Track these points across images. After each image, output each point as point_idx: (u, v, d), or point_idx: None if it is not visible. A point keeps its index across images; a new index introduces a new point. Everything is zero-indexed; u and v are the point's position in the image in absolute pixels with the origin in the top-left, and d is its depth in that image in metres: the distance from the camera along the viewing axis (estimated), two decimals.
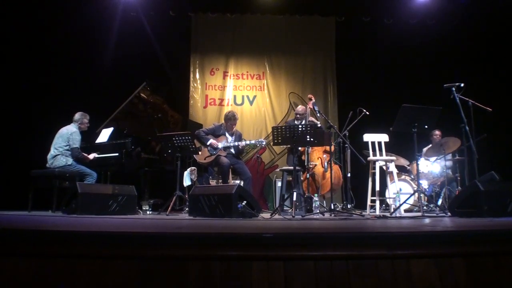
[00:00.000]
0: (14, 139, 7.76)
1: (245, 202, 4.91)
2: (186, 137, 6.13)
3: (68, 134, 6.46)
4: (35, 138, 7.36)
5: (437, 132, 7.41)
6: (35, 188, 6.32)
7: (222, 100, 9.48)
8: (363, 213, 5.77)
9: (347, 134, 6.24)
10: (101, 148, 6.86)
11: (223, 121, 7.15)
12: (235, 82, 9.58)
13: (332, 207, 5.60)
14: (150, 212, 6.42)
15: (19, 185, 6.75)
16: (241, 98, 9.53)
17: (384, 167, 6.17)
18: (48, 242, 2.32)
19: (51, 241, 2.33)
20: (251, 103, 9.50)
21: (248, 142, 6.95)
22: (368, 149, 6.24)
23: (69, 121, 6.74)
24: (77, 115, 6.71)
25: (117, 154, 6.61)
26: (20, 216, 4.73)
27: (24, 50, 8.13)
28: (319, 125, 6.37)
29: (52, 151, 6.45)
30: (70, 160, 6.37)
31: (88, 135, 6.95)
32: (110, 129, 7.07)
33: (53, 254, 2.26)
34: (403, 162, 7.43)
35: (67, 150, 6.41)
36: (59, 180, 6.28)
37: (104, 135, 7.06)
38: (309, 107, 6.54)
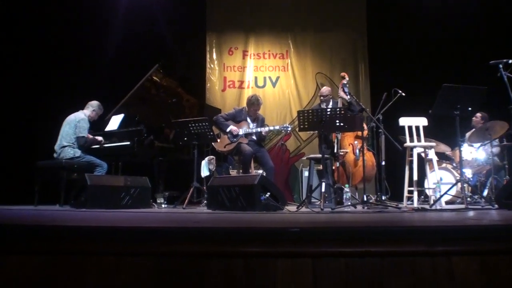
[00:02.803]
0: (19, 129, 7.87)
1: (268, 193, 4.92)
2: (203, 123, 6.14)
3: (76, 121, 6.52)
4: (41, 127, 7.48)
5: (478, 115, 7.28)
6: (41, 181, 6.40)
7: (242, 82, 9.47)
8: (400, 205, 5.73)
9: (381, 118, 6.18)
10: (111, 136, 6.91)
11: (244, 105, 7.15)
12: (256, 62, 9.56)
13: (365, 199, 5.57)
14: (165, 206, 6.47)
15: (24, 178, 6.87)
16: (262, 80, 9.50)
17: (423, 154, 6.11)
18: (55, 238, 2.35)
19: (59, 237, 2.36)
20: (274, 85, 9.48)
21: (271, 128, 6.92)
22: (405, 134, 6.18)
23: (76, 108, 6.81)
24: (94, 102, 6.80)
25: (128, 142, 6.65)
26: (26, 211, 4.82)
27: (27, 34, 8.21)
28: (348, 99, 6.32)
29: (60, 141, 6.52)
30: (78, 152, 6.43)
31: (97, 123, 7.00)
32: (121, 116, 7.12)
33: (61, 251, 2.29)
34: (444, 148, 7.34)
35: (76, 141, 6.47)
36: (67, 171, 6.33)
37: (114, 123, 7.11)
38: (340, 87, 6.48)
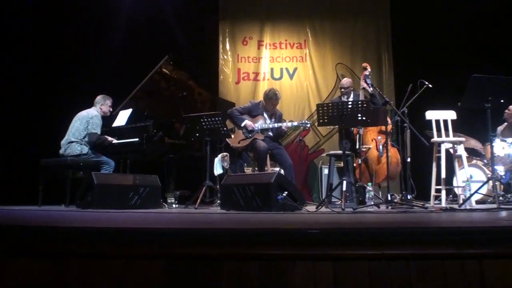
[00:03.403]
0: (22, 125, 7.91)
1: (286, 192, 4.92)
2: (216, 118, 6.15)
3: (88, 117, 6.58)
4: (46, 123, 7.52)
5: (511, 107, 7.20)
6: (45, 180, 6.45)
7: (257, 74, 9.45)
8: (426, 205, 5.69)
9: (406, 112, 6.13)
10: (119, 132, 6.93)
11: (260, 99, 7.13)
12: (272, 53, 9.53)
13: (389, 198, 5.53)
14: (176, 205, 6.50)
15: (28, 177, 6.92)
16: (279, 71, 9.48)
17: (451, 150, 6.06)
18: (61, 240, 2.37)
19: (65, 239, 2.38)
20: (291, 77, 9.45)
21: (289, 124, 6.91)
22: (432, 129, 6.13)
23: (82, 102, 6.85)
24: (98, 97, 6.84)
25: (137, 139, 6.66)
26: (30, 212, 4.87)
27: (30, 27, 8.24)
28: (371, 91, 6.29)
29: (67, 136, 6.56)
30: (85, 149, 6.47)
31: (104, 118, 7.03)
32: (129, 111, 7.13)
33: (67, 253, 2.32)
34: (474, 144, 7.27)
35: (84, 137, 6.51)
36: (72, 170, 6.39)
37: (122, 118, 7.13)
38: (362, 78, 6.45)
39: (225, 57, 9.47)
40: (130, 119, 7.02)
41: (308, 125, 6.96)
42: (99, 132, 6.57)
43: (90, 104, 6.82)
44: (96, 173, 5.69)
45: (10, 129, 7.80)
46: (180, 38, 8.98)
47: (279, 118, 6.95)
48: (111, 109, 6.92)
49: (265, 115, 6.90)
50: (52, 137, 6.87)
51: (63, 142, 6.56)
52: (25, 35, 8.21)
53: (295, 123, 6.89)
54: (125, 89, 7.34)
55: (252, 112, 6.92)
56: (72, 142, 6.48)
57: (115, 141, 6.74)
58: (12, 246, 2.35)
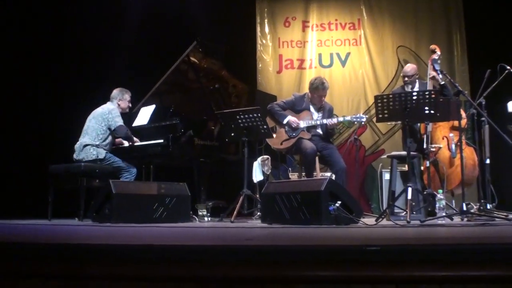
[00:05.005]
0: (31, 128, 8.05)
1: (339, 202, 4.89)
2: (255, 114, 6.13)
3: (105, 113, 6.65)
4: (55, 124, 7.65)
5: None
6: (56, 189, 6.54)
7: (302, 61, 9.45)
8: (510, 216, 5.60)
9: (483, 103, 6.05)
10: (141, 132, 6.98)
11: (306, 91, 7.10)
12: (320, 36, 9.52)
13: (464, 208, 5.46)
14: (209, 219, 6.53)
15: (37, 186, 7.04)
16: (328, 58, 9.46)
17: None
18: (75, 260, 2.41)
19: (79, 258, 2.42)
20: (343, 63, 9.41)
21: (341, 119, 6.87)
22: None
23: (96, 98, 6.95)
24: (115, 92, 6.90)
25: (161, 140, 6.69)
26: (39, 226, 4.97)
27: (37, 15, 8.40)
28: (442, 83, 6.22)
29: (82, 139, 6.64)
30: (102, 153, 6.54)
31: (122, 116, 7.09)
32: (152, 107, 7.19)
33: (81, 275, 2.35)
34: None
35: (101, 139, 6.58)
36: (87, 177, 6.46)
37: (144, 116, 7.19)
38: (430, 63, 6.38)
39: (264, 41, 9.49)
40: (153, 117, 7.08)
41: (364, 120, 6.87)
42: (123, 124, 6.64)
43: (106, 101, 6.88)
44: (114, 181, 5.75)
45: (15, 131, 7.94)
46: (210, 20, 9.02)
47: (329, 113, 6.88)
48: (130, 105, 6.97)
49: (311, 109, 6.85)
50: (63, 139, 6.96)
51: (76, 145, 6.63)
52: (33, 23, 8.37)
53: (348, 118, 6.83)
54: (146, 82, 7.40)
55: (296, 106, 6.87)
56: (87, 145, 6.54)
57: (136, 143, 6.79)
58: (19, 266, 2.40)
